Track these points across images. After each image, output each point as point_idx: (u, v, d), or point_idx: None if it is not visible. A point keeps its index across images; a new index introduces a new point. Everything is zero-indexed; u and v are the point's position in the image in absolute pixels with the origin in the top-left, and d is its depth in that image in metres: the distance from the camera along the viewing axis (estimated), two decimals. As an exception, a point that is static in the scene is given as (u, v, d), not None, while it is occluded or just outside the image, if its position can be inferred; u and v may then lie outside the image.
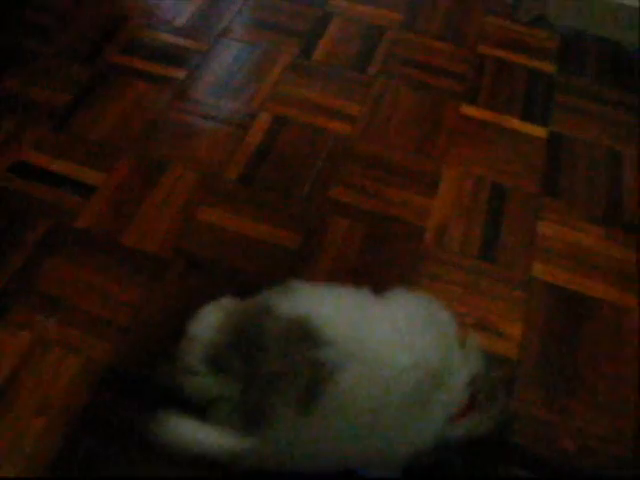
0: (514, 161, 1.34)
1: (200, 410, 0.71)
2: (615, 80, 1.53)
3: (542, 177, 1.32)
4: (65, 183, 1.25)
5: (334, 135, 1.36)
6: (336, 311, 0.73)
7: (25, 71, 1.45)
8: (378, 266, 1.15)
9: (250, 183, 1.27)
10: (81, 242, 1.16)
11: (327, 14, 1.64)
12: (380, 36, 1.60)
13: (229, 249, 1.16)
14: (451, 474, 0.83)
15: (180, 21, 1.60)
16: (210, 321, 0.76)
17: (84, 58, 1.49)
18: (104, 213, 1.20)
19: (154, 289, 1.10)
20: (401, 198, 1.26)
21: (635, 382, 1.04)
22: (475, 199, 1.27)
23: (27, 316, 1.06)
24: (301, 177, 1.28)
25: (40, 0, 1.63)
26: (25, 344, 1.03)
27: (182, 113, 1.39)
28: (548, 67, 1.55)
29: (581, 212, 1.27)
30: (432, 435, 0.73)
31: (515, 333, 1.08)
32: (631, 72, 1.56)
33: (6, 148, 1.30)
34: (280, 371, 0.68)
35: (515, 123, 1.42)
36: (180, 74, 1.47)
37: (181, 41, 1.55)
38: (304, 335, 0.69)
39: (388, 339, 0.71)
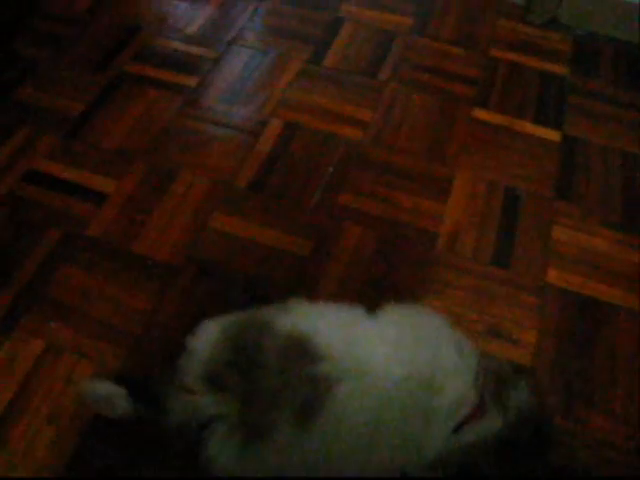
0: (527, 165, 1.33)
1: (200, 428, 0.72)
2: (629, 82, 1.51)
3: (556, 181, 1.30)
4: (77, 191, 1.26)
5: (345, 141, 1.36)
6: (331, 328, 0.74)
7: (38, 80, 1.47)
8: (390, 272, 1.15)
9: (261, 190, 1.27)
10: (93, 250, 1.16)
11: (338, 20, 1.64)
12: (391, 41, 1.59)
13: (240, 256, 1.16)
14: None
15: (191, 29, 1.61)
16: (208, 337, 0.76)
17: (97, 67, 1.50)
18: (116, 221, 1.21)
19: (165, 296, 1.10)
20: (413, 204, 1.25)
21: (653, 390, 1.03)
22: (488, 204, 1.25)
23: (39, 323, 1.07)
24: (312, 183, 1.28)
25: (53, 10, 1.65)
26: (38, 351, 1.04)
27: (194, 120, 1.39)
28: (561, 69, 1.54)
29: (596, 216, 1.25)
30: (440, 443, 0.72)
31: (529, 340, 1.07)
32: (646, 74, 1.54)
33: (19, 156, 1.31)
34: (278, 387, 0.69)
35: (528, 127, 1.40)
36: (192, 81, 1.48)
37: (193, 49, 1.56)
38: (301, 351, 0.70)
39: (380, 353, 0.72)
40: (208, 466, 0.72)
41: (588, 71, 1.54)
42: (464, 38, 1.61)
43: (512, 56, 1.57)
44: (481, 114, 1.42)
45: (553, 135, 1.39)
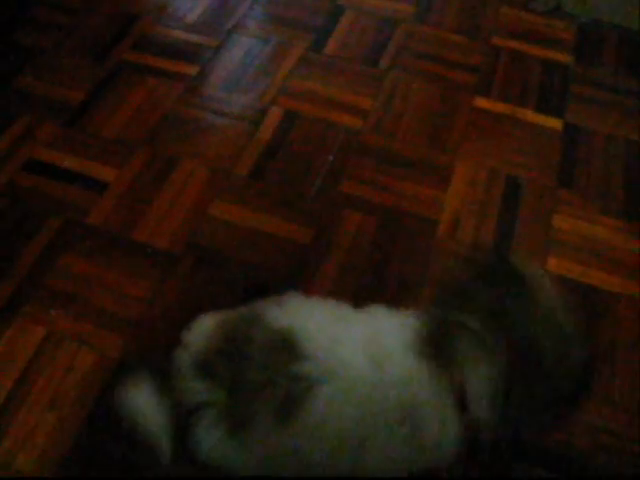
0: (529, 153, 1.32)
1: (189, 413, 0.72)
2: (633, 70, 1.50)
3: (557, 169, 1.30)
4: (78, 180, 1.26)
5: (346, 129, 1.35)
6: (319, 326, 0.73)
7: (38, 69, 1.46)
8: (390, 259, 1.15)
9: (261, 178, 1.27)
10: (93, 238, 1.17)
11: (339, 7, 1.63)
12: (392, 29, 1.58)
13: (240, 244, 1.16)
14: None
15: (192, 17, 1.60)
16: (203, 329, 0.77)
17: (96, 56, 1.50)
18: (116, 209, 1.21)
19: (165, 284, 1.11)
20: (413, 192, 1.25)
21: (653, 378, 1.03)
22: (489, 192, 1.25)
23: (40, 311, 1.07)
24: (312, 171, 1.28)
25: (53, -2, 1.64)
26: (38, 339, 1.04)
27: (194, 109, 1.39)
28: (564, 58, 1.53)
29: (597, 204, 1.24)
30: (452, 432, 0.71)
31: (529, 328, 1.07)
32: (650, 62, 1.53)
33: (20, 145, 1.31)
34: (261, 381, 0.68)
35: (529, 115, 1.40)
36: (192, 70, 1.47)
37: (193, 37, 1.55)
38: (286, 347, 0.69)
39: (366, 356, 0.70)
40: (195, 452, 0.72)
41: (591, 59, 1.53)
42: (466, 26, 1.60)
43: (514, 44, 1.56)
44: (482, 102, 1.42)
45: (555, 123, 1.38)
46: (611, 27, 1.60)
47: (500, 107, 1.41)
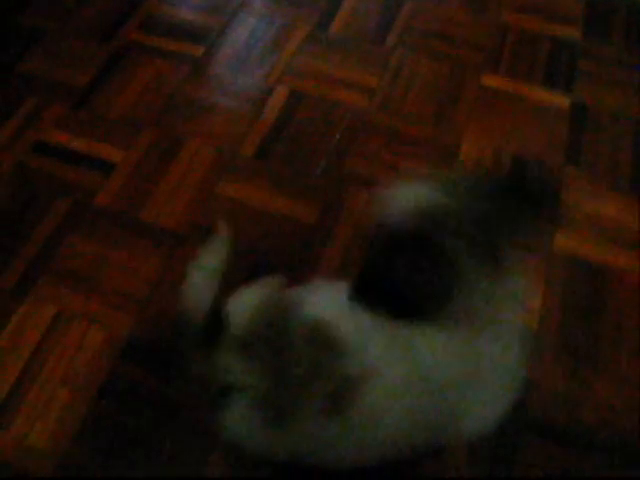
0: (536, 131, 1.31)
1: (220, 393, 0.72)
2: (642, 46, 1.48)
3: (565, 147, 1.29)
4: (85, 161, 1.26)
5: (352, 108, 1.35)
6: (353, 318, 0.71)
7: (44, 51, 1.47)
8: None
9: (267, 157, 1.27)
10: (101, 218, 1.18)
11: (345, -14, 1.62)
12: (398, 7, 1.57)
13: (246, 223, 1.17)
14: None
15: (197, -3, 1.59)
16: (246, 305, 0.74)
17: (102, 37, 1.50)
18: (123, 189, 1.22)
19: (172, 263, 1.12)
20: (419, 171, 1.25)
21: (659, 354, 1.03)
22: (495, 169, 1.25)
23: (51, 291, 1.08)
24: (318, 150, 1.28)
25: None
26: (49, 317, 1.06)
27: (200, 89, 1.39)
28: (573, 34, 1.51)
29: (605, 182, 1.24)
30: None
31: (535, 304, 1.07)
32: (660, 38, 1.51)
33: (27, 127, 1.32)
34: (308, 377, 0.67)
35: (537, 93, 1.38)
36: (197, 50, 1.47)
37: (198, 17, 1.54)
38: (329, 344, 0.67)
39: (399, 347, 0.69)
40: (220, 432, 0.72)
41: (600, 35, 1.51)
42: (473, 3, 1.58)
43: (522, 21, 1.54)
44: (490, 80, 1.41)
45: (562, 101, 1.37)
46: (620, 2, 1.58)
47: (507, 85, 1.40)
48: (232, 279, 1.08)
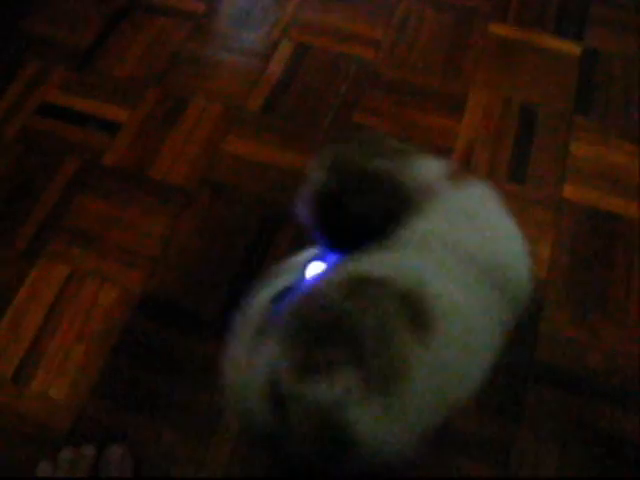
0: (545, 80, 1.29)
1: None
2: (655, -10, 1.45)
3: (575, 96, 1.27)
4: (91, 121, 1.26)
5: (358, 60, 1.33)
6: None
7: (45, 12, 1.45)
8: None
9: (274, 112, 1.26)
10: (109, 178, 1.18)
11: None
12: (404, -44, 1.53)
13: (254, 177, 1.17)
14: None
15: (197, -49, 1.56)
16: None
17: (103, -5, 1.48)
18: (130, 149, 1.21)
19: (182, 219, 1.12)
20: (427, 122, 1.23)
21: (668, 300, 1.03)
22: (504, 120, 1.23)
23: (63, 251, 1.10)
24: (325, 104, 1.27)
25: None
26: (63, 277, 1.07)
27: (203, 46, 1.37)
28: (583, -21, 1.47)
29: (616, 130, 1.22)
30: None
31: (544, 254, 1.07)
32: (673, -19, 1.47)
33: (32, 90, 1.31)
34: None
35: (547, 40, 1.35)
36: (199, 7, 1.44)
37: (199, -27, 1.52)
38: (423, 318, 0.59)
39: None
40: (349, 442, 0.59)
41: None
42: (480, -50, 1.54)
43: (531, -33, 1.50)
44: (498, 29, 1.38)
45: (573, 48, 1.34)
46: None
47: (516, 33, 1.37)
48: (241, 234, 1.09)
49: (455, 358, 0.59)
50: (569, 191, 1.14)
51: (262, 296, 0.89)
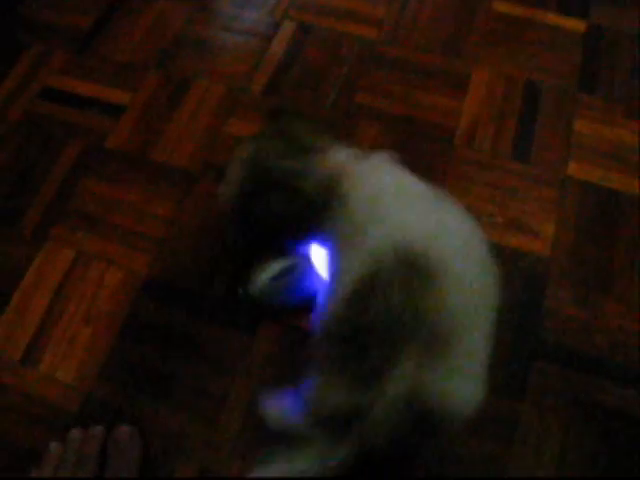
0: (549, 58, 1.28)
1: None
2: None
3: (579, 73, 1.26)
4: (94, 105, 1.26)
5: (360, 39, 1.32)
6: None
7: (45, -6, 1.44)
8: (408, 169, 1.14)
9: (276, 93, 1.25)
10: (113, 161, 1.18)
11: None
12: None
13: (258, 160, 1.17)
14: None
15: None
16: None
17: (103, -23, 1.46)
18: (134, 131, 1.21)
19: (186, 202, 1.12)
20: (430, 101, 1.23)
21: (673, 277, 1.03)
22: (507, 99, 1.22)
23: (68, 234, 1.10)
24: (328, 84, 1.26)
25: None
26: (68, 260, 1.08)
27: (204, 27, 1.36)
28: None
29: (621, 108, 1.21)
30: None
31: (548, 232, 1.07)
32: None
33: (33, 74, 1.31)
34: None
35: (551, 17, 1.34)
36: (200, -13, 1.43)
37: (199, -47, 1.50)
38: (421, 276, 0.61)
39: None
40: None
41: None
42: None
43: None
44: (501, 6, 1.36)
45: (577, 25, 1.33)
46: None
47: (519, 10, 1.35)
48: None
49: (468, 296, 0.62)
50: (573, 169, 1.14)
51: (262, 276, 0.91)
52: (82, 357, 0.99)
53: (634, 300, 1.01)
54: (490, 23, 1.34)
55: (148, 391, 0.96)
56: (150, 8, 1.40)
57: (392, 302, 0.58)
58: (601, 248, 1.06)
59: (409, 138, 1.18)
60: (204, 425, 0.93)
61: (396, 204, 0.69)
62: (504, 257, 1.05)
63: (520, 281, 1.03)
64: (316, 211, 0.71)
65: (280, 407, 0.84)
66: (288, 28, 1.35)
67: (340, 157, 0.73)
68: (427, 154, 1.16)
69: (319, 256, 0.80)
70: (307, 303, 0.92)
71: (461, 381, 0.60)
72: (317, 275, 0.87)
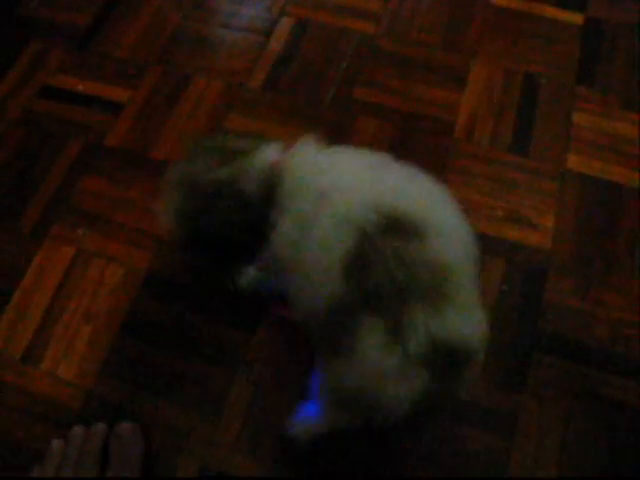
0: (548, 51, 1.28)
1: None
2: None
3: (578, 66, 1.26)
4: (93, 102, 1.26)
5: (358, 35, 1.32)
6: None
7: (43, -7, 1.44)
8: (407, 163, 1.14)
9: (275, 89, 1.25)
10: (112, 158, 1.18)
11: None
12: None
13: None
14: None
15: None
16: None
17: (100, -25, 1.46)
18: (133, 129, 1.21)
19: (186, 198, 1.12)
20: (429, 95, 1.23)
21: (673, 268, 1.03)
22: (506, 92, 1.22)
23: (68, 232, 1.10)
24: (326, 79, 1.26)
25: None
26: (69, 258, 1.08)
27: (202, 24, 1.36)
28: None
29: (619, 100, 1.21)
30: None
31: (549, 224, 1.07)
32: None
33: (32, 72, 1.31)
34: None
35: (549, 10, 1.34)
36: (198, -16, 1.43)
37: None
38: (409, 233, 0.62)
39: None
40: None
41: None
42: None
43: None
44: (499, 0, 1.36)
45: (575, 18, 1.33)
46: None
47: (517, 3, 1.35)
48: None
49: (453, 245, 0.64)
50: (573, 162, 1.14)
51: (249, 268, 0.92)
52: (83, 354, 0.99)
53: (634, 292, 1.01)
54: (488, 16, 1.33)
55: (149, 388, 0.96)
56: (148, 5, 1.40)
57: (389, 266, 0.60)
58: (601, 240, 1.06)
59: (408, 132, 1.18)
60: (205, 421, 0.93)
61: (348, 175, 0.71)
62: (504, 250, 1.05)
63: (520, 274, 1.03)
64: (264, 206, 0.72)
65: (305, 419, 0.87)
66: (286, 24, 1.34)
67: (269, 152, 0.76)
68: (426, 148, 1.16)
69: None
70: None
71: (468, 314, 0.61)
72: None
